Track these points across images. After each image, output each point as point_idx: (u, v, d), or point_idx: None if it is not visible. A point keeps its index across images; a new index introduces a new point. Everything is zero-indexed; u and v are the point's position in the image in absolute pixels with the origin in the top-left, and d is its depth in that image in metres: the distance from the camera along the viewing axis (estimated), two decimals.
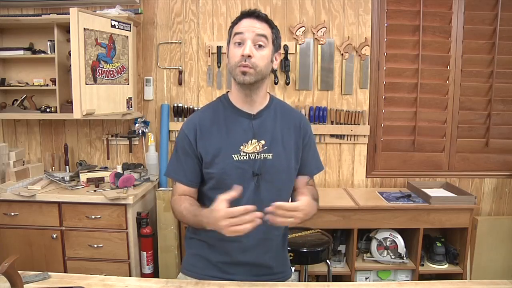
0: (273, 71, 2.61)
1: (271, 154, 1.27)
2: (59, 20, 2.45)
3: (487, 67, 2.77)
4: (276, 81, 2.73)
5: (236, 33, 1.21)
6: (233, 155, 1.25)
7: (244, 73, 1.19)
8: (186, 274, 1.35)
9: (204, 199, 1.32)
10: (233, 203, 1.13)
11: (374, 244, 2.56)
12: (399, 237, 2.53)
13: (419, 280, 2.48)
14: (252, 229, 1.04)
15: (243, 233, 1.04)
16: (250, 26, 1.20)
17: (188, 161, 1.29)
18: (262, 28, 1.21)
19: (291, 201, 1.31)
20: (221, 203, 1.06)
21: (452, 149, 2.86)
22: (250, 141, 1.27)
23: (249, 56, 1.18)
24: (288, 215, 1.08)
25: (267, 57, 1.22)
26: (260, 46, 1.20)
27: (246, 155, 1.25)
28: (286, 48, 2.68)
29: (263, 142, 1.27)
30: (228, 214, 1.04)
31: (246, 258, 1.29)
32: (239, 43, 1.21)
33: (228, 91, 1.36)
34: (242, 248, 1.27)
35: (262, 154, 1.26)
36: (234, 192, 1.09)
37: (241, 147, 1.26)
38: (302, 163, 1.36)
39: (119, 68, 2.47)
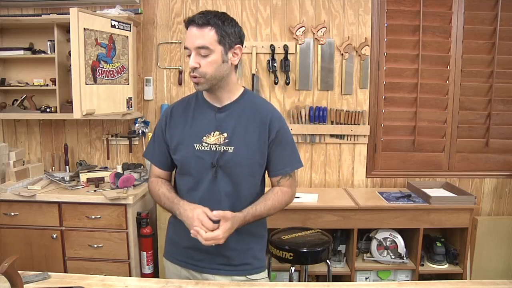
0: (274, 71, 2.66)
1: (232, 148, 1.30)
2: (59, 20, 2.45)
3: (487, 67, 2.77)
4: (276, 81, 2.73)
5: (185, 47, 1.26)
6: (194, 144, 1.32)
7: (196, 83, 1.27)
8: (166, 258, 1.48)
9: (175, 184, 1.43)
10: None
11: (374, 244, 2.56)
12: (399, 237, 2.53)
13: (419, 280, 2.48)
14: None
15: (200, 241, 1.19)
16: (191, 37, 1.22)
17: (160, 146, 1.41)
18: (201, 36, 1.21)
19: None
20: (202, 213, 1.21)
21: (452, 149, 2.86)
22: (213, 133, 1.32)
23: (195, 68, 1.23)
24: (211, 242, 1.19)
25: (215, 62, 1.23)
26: (204, 55, 1.22)
27: (208, 145, 1.31)
28: (286, 48, 2.68)
29: (225, 134, 1.31)
30: (197, 231, 1.19)
31: (204, 245, 1.26)
32: (188, 55, 1.25)
33: None
34: None
35: (223, 147, 1.30)
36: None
37: (204, 137, 1.32)
38: (270, 160, 1.36)
39: (119, 68, 2.47)
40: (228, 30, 1.24)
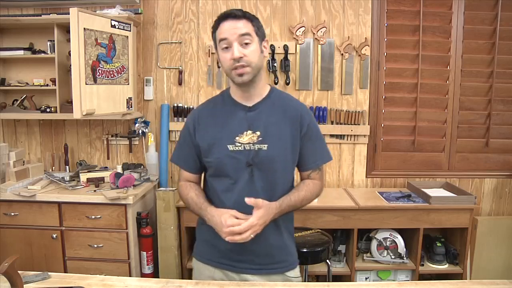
0: (274, 71, 2.66)
1: (266, 145, 1.31)
2: (59, 20, 2.45)
3: (487, 67, 2.77)
4: (276, 81, 2.73)
5: (221, 39, 1.25)
6: (228, 145, 1.31)
7: (240, 75, 1.25)
8: (197, 260, 1.46)
9: (207, 186, 1.42)
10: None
11: (374, 244, 2.56)
12: (399, 237, 2.53)
13: (419, 280, 2.48)
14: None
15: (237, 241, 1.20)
16: (231, 29, 1.23)
17: (188, 150, 1.40)
18: (242, 26, 1.24)
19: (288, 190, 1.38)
20: (230, 217, 1.22)
21: (452, 149, 2.86)
22: (245, 132, 1.32)
23: (241, 57, 1.23)
24: (246, 234, 1.20)
25: (256, 51, 1.26)
26: (246, 43, 1.24)
27: (241, 145, 1.31)
28: (286, 48, 2.68)
29: (258, 133, 1.31)
30: (230, 230, 1.20)
31: (246, 245, 1.28)
32: (226, 47, 1.25)
33: (229, 87, 1.41)
34: None
35: (256, 145, 1.31)
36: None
37: (237, 137, 1.31)
38: (302, 155, 1.38)
39: (119, 68, 2.47)
40: (259, 24, 1.30)
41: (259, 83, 1.33)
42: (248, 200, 1.22)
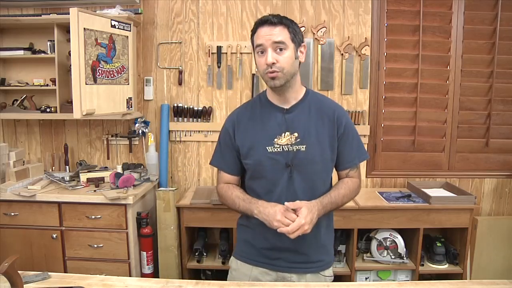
0: None
1: (304, 146, 1.34)
2: (59, 20, 2.45)
3: (487, 67, 2.77)
4: None
5: (257, 45, 1.30)
6: (267, 147, 1.35)
7: (273, 78, 1.29)
8: (236, 258, 1.49)
9: (246, 188, 1.45)
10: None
11: (374, 244, 2.56)
12: (399, 237, 2.53)
13: (419, 280, 2.48)
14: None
15: (286, 234, 1.22)
16: (266, 35, 1.28)
17: (228, 152, 1.44)
18: (278, 33, 1.27)
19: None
20: (281, 207, 1.26)
21: (452, 149, 2.86)
22: (283, 134, 1.35)
23: (273, 63, 1.27)
24: (298, 232, 1.21)
25: (290, 57, 1.29)
26: (280, 49, 1.28)
27: (280, 147, 1.34)
28: None
29: (296, 134, 1.34)
30: (284, 220, 1.23)
31: (283, 244, 1.34)
32: (262, 52, 1.29)
33: (266, 89, 1.44)
34: (279, 234, 1.29)
35: (295, 146, 1.34)
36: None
37: (275, 139, 1.35)
38: (340, 154, 1.40)
39: (119, 68, 2.47)
40: (297, 29, 1.33)
41: (294, 87, 1.37)
42: (288, 205, 1.24)
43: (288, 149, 1.33)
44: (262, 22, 1.30)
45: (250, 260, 1.45)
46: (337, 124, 1.38)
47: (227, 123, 1.45)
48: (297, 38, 1.32)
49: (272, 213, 1.25)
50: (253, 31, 1.33)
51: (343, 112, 1.42)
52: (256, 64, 1.36)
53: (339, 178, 1.47)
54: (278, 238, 1.31)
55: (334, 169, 1.46)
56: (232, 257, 1.53)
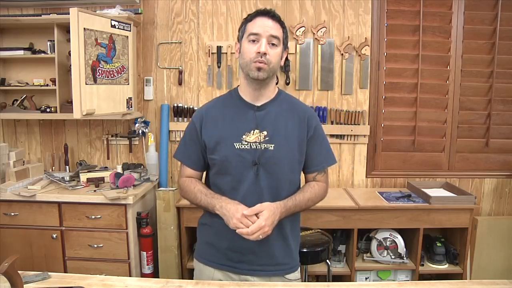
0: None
1: (272, 145, 1.32)
2: (59, 20, 2.45)
3: (487, 67, 2.77)
4: (276, 81, 2.70)
5: (252, 33, 1.28)
6: (234, 143, 1.32)
7: (259, 69, 1.27)
8: (198, 261, 1.45)
9: (210, 184, 1.41)
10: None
11: (374, 244, 2.56)
12: (399, 237, 2.53)
13: (419, 280, 2.48)
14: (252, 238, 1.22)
15: (244, 236, 1.21)
16: (265, 26, 1.27)
17: (193, 146, 1.40)
18: (275, 28, 1.29)
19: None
20: (243, 208, 1.24)
21: (452, 149, 2.86)
22: (252, 131, 1.33)
23: (265, 53, 1.26)
24: (258, 233, 1.21)
25: (278, 55, 1.31)
26: (273, 44, 1.28)
27: (248, 144, 1.32)
28: None
29: (265, 133, 1.33)
30: (243, 219, 1.22)
31: (247, 245, 1.30)
32: (254, 41, 1.28)
33: (238, 86, 1.43)
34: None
35: (263, 144, 1.32)
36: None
37: (244, 136, 1.32)
38: (308, 156, 1.39)
39: (119, 68, 2.47)
40: (287, 34, 1.35)
41: (271, 85, 1.37)
42: (247, 212, 1.23)
43: (256, 147, 1.31)
44: (264, 12, 1.29)
45: (211, 263, 1.40)
46: (307, 125, 1.37)
47: (194, 118, 1.41)
48: (286, 41, 1.34)
49: (233, 210, 1.24)
50: (249, 19, 1.31)
51: (314, 115, 1.42)
52: (240, 51, 1.32)
53: (306, 181, 1.45)
54: (242, 239, 1.25)
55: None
56: (194, 259, 1.49)
